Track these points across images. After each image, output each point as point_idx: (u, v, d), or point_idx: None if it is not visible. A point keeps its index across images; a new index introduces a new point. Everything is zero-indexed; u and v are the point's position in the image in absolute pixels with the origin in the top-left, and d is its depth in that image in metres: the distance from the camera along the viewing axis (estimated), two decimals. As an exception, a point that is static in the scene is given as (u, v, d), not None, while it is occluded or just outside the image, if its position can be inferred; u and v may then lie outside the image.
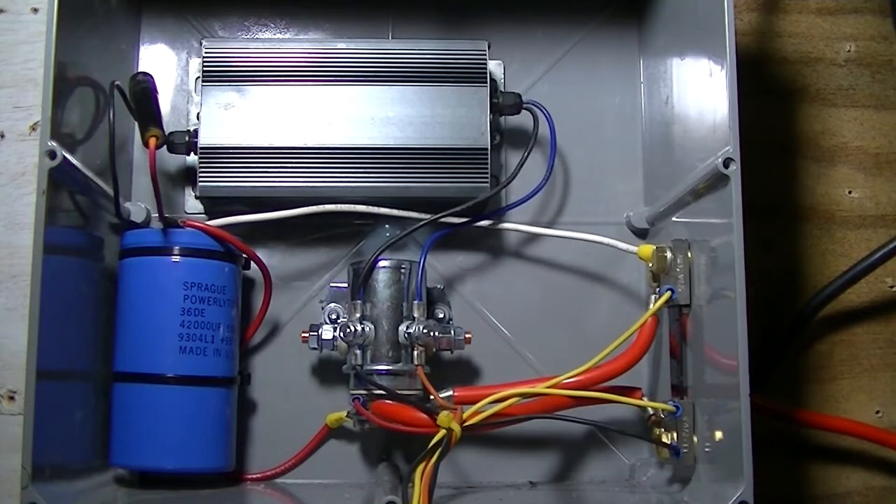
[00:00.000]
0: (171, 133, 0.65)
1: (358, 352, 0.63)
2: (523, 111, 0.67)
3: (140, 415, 0.60)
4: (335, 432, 0.67)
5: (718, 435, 0.57)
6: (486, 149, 0.65)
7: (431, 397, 0.61)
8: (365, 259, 0.64)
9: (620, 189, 0.71)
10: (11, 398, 0.69)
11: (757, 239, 0.56)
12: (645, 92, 0.71)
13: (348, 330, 0.62)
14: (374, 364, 0.63)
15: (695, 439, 0.59)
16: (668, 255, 0.61)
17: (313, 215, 0.64)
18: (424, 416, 0.59)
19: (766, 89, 0.75)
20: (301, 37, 0.71)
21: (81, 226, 0.61)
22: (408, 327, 0.63)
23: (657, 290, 0.62)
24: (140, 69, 0.69)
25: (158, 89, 0.61)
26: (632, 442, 0.68)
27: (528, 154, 0.66)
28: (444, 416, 0.57)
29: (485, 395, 0.59)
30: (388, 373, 0.63)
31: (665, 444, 0.61)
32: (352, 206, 0.65)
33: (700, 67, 0.60)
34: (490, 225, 0.68)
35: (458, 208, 0.65)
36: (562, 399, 0.59)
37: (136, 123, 0.62)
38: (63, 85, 0.56)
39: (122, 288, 0.62)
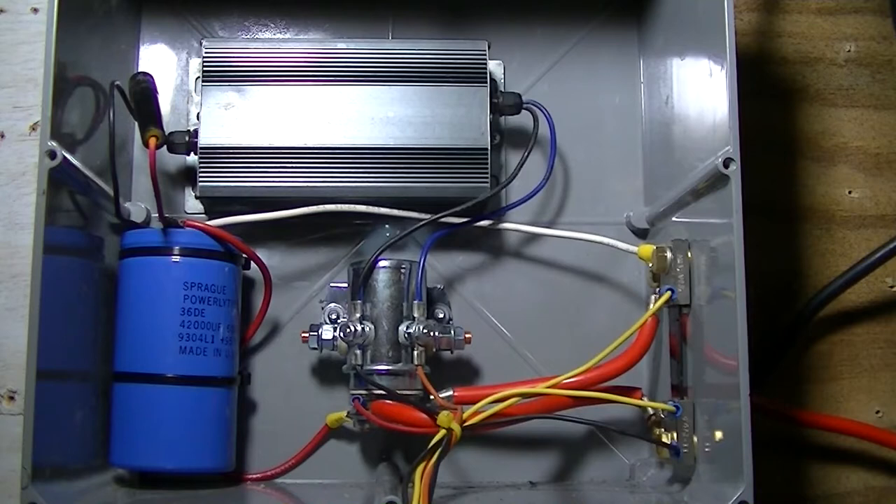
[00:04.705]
0: (171, 133, 0.65)
1: (358, 352, 0.63)
2: (523, 111, 0.67)
3: (140, 415, 0.60)
4: (335, 432, 0.67)
5: (718, 435, 0.57)
6: (486, 149, 0.65)
7: (431, 397, 0.61)
8: (365, 259, 0.64)
9: (620, 189, 0.71)
10: (11, 398, 0.69)
11: (757, 239, 0.56)
12: (645, 92, 0.71)
13: (348, 330, 0.62)
14: (374, 364, 0.63)
15: (695, 439, 0.59)
16: (668, 255, 0.61)
17: (313, 215, 0.64)
18: (424, 416, 0.59)
19: (766, 89, 0.75)
20: (301, 37, 0.71)
21: (81, 226, 0.61)
22: (408, 327, 0.63)
23: (657, 290, 0.62)
24: (140, 69, 0.70)
25: (158, 89, 0.61)
26: (632, 442, 0.68)
27: (528, 154, 0.66)
28: (444, 416, 0.57)
29: (485, 395, 0.59)
30: (388, 373, 0.63)
31: (665, 444, 0.61)
32: (352, 206, 0.65)
33: (700, 67, 0.60)
34: (490, 225, 0.68)
35: (458, 208, 0.65)
36: (562, 399, 0.60)
37: (136, 123, 0.62)
38: (63, 85, 0.56)
39: (122, 288, 0.62)
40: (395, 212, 0.66)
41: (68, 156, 0.55)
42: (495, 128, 0.69)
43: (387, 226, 0.69)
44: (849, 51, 0.76)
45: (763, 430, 0.56)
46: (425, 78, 0.65)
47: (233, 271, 0.63)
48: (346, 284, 0.66)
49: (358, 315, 0.63)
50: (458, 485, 0.67)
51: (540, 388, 0.59)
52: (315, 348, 0.64)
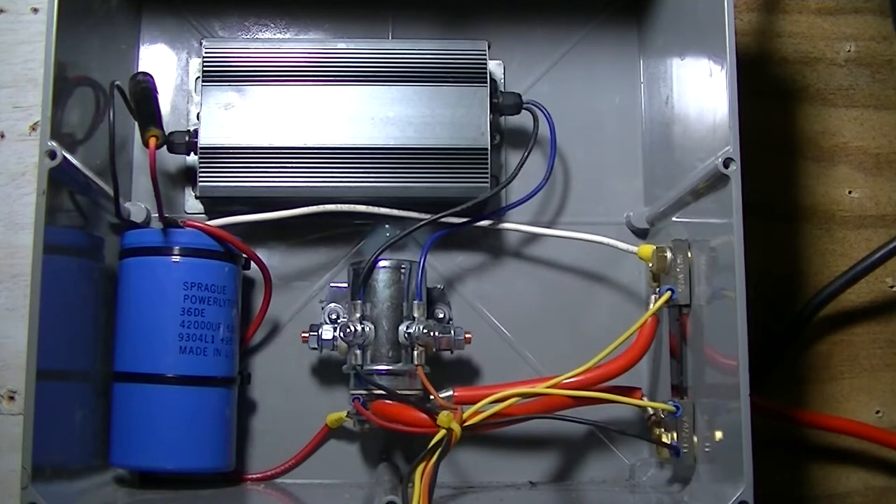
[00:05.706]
0: (171, 133, 0.65)
1: (358, 352, 0.63)
2: (523, 111, 0.67)
3: (140, 415, 0.60)
4: (335, 432, 0.67)
5: (718, 435, 0.57)
6: (486, 149, 0.65)
7: (431, 397, 0.61)
8: (365, 259, 0.64)
9: (620, 189, 0.71)
10: (11, 398, 0.69)
11: (757, 239, 0.56)
12: (645, 92, 0.71)
13: (348, 330, 0.62)
14: (374, 364, 0.63)
15: (695, 439, 0.59)
16: (668, 255, 0.61)
17: (313, 215, 0.64)
18: (424, 416, 0.59)
19: (766, 89, 0.75)
20: (301, 37, 0.71)
21: (81, 226, 0.61)
22: (408, 327, 0.63)
23: (657, 290, 0.62)
24: (140, 69, 0.69)
25: (158, 89, 0.61)
26: (632, 442, 0.68)
27: (528, 154, 0.66)
28: (444, 416, 0.57)
29: (485, 395, 0.59)
30: (388, 373, 0.63)
31: (665, 444, 0.61)
32: (352, 206, 0.65)
33: (700, 67, 0.60)
34: (490, 225, 0.68)
35: (458, 208, 0.65)
36: (562, 399, 0.60)
37: (136, 123, 0.62)
38: (63, 85, 0.56)
39: (122, 288, 0.62)
40: (395, 212, 0.66)
41: (68, 156, 0.55)
42: (495, 128, 0.69)
43: (387, 226, 0.69)
44: (849, 51, 0.76)
45: (763, 430, 0.56)
46: (425, 78, 0.65)
47: (233, 271, 0.63)
48: (346, 284, 0.66)
49: (358, 315, 0.63)
50: (458, 485, 0.67)
51: (540, 388, 0.59)
52: (315, 348, 0.64)
